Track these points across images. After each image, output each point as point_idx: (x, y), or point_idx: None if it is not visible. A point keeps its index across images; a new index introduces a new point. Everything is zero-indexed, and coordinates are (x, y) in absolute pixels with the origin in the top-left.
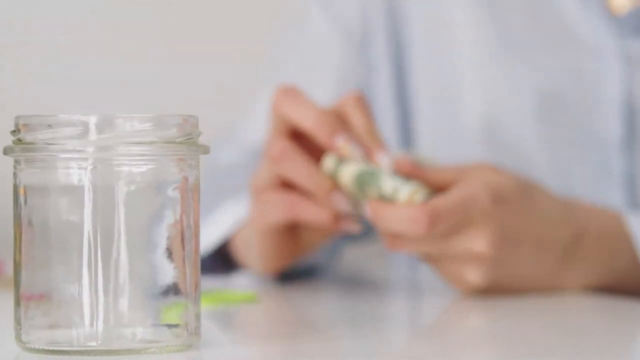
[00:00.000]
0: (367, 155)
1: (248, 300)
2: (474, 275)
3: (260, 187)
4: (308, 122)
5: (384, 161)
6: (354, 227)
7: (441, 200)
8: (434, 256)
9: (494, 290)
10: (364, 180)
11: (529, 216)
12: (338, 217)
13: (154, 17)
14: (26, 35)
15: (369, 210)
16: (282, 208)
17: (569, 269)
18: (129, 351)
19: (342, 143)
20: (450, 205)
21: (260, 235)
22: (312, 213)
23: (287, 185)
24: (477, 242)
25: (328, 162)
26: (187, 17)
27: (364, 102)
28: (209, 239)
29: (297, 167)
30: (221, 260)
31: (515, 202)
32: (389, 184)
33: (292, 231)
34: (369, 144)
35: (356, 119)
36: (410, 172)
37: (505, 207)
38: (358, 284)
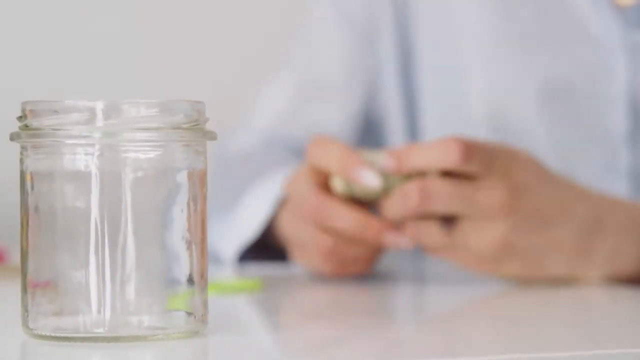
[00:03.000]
0: (351, 179)
1: (254, 288)
2: (496, 231)
3: (300, 241)
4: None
5: (366, 178)
6: (403, 242)
7: (470, 138)
8: (456, 220)
9: (517, 263)
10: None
11: (547, 184)
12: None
13: (157, 16)
14: (26, 34)
15: (390, 158)
16: (332, 267)
17: (590, 256)
18: (135, 338)
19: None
20: (481, 142)
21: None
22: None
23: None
24: (496, 191)
25: (338, 183)
26: (192, 13)
27: (325, 140)
28: (245, 230)
29: (345, 219)
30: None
31: (532, 166)
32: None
33: None
34: (348, 171)
35: (327, 161)
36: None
37: (522, 165)
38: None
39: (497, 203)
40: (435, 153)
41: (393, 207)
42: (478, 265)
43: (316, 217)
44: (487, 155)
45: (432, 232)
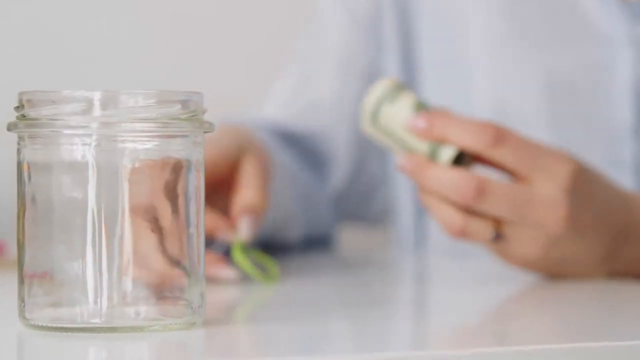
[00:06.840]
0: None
1: (268, 279)
2: (540, 240)
3: None
4: None
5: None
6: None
7: (508, 127)
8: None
9: (547, 266)
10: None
11: (592, 197)
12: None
13: (159, 10)
14: (26, 33)
15: (421, 119)
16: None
17: (616, 257)
18: (132, 329)
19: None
20: (519, 134)
21: None
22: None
23: None
24: (555, 205)
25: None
26: (195, 7)
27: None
28: None
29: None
30: None
31: (582, 175)
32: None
33: None
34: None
35: (247, 193)
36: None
37: (576, 174)
38: (364, 268)
39: (554, 217)
40: (468, 131)
41: (436, 179)
42: (517, 264)
43: None
44: (525, 149)
45: (481, 235)
